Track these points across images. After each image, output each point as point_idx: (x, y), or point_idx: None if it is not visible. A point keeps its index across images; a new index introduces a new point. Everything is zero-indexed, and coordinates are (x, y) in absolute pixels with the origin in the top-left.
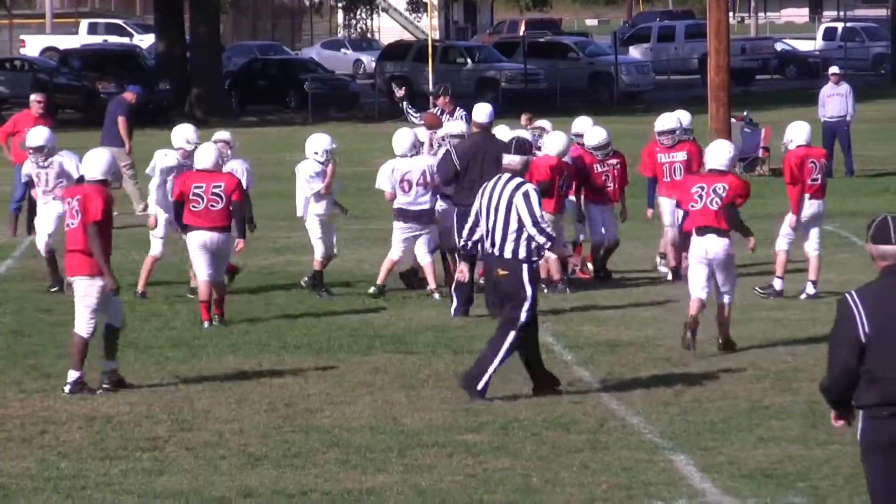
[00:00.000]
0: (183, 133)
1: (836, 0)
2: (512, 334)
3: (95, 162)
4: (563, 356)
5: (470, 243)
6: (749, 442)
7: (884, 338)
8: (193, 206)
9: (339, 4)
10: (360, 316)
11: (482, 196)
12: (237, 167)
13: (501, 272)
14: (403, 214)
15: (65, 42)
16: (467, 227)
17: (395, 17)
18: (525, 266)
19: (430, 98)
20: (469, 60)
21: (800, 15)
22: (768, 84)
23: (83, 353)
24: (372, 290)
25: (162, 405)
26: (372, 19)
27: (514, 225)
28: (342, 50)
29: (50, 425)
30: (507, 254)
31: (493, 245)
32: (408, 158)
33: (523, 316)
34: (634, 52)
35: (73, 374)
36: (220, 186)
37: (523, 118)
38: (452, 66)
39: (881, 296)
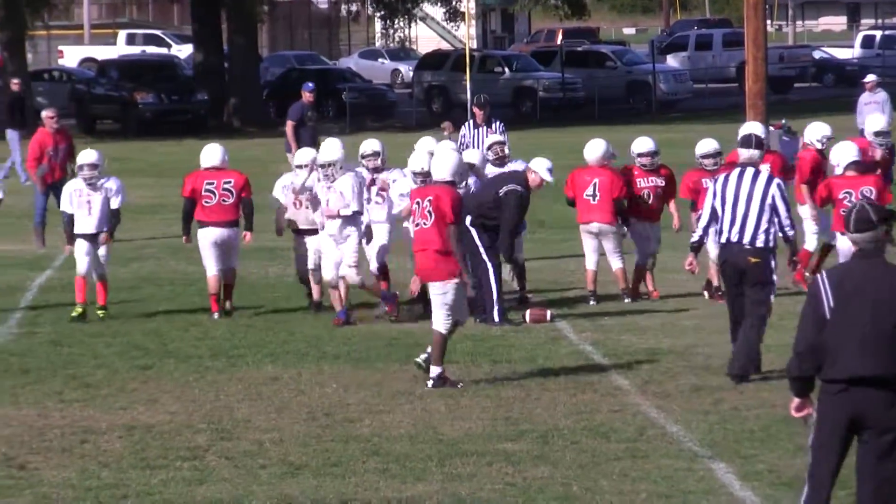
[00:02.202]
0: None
1: (874, 8)
2: (765, 316)
3: (443, 163)
4: (602, 364)
5: (706, 238)
6: (788, 450)
7: (842, 313)
8: (206, 202)
9: (377, 14)
10: (399, 325)
11: (722, 191)
12: (112, 185)
13: (753, 260)
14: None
15: (103, 53)
16: (703, 222)
17: (432, 26)
18: (771, 255)
19: (471, 108)
20: (506, 69)
21: (838, 23)
22: (806, 92)
23: (443, 348)
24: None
25: (202, 415)
26: (409, 29)
27: (766, 216)
28: (380, 59)
29: (90, 435)
30: (760, 243)
31: (741, 235)
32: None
33: (772, 298)
34: (672, 61)
35: (434, 370)
36: (230, 182)
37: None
38: (490, 76)
39: (845, 274)
